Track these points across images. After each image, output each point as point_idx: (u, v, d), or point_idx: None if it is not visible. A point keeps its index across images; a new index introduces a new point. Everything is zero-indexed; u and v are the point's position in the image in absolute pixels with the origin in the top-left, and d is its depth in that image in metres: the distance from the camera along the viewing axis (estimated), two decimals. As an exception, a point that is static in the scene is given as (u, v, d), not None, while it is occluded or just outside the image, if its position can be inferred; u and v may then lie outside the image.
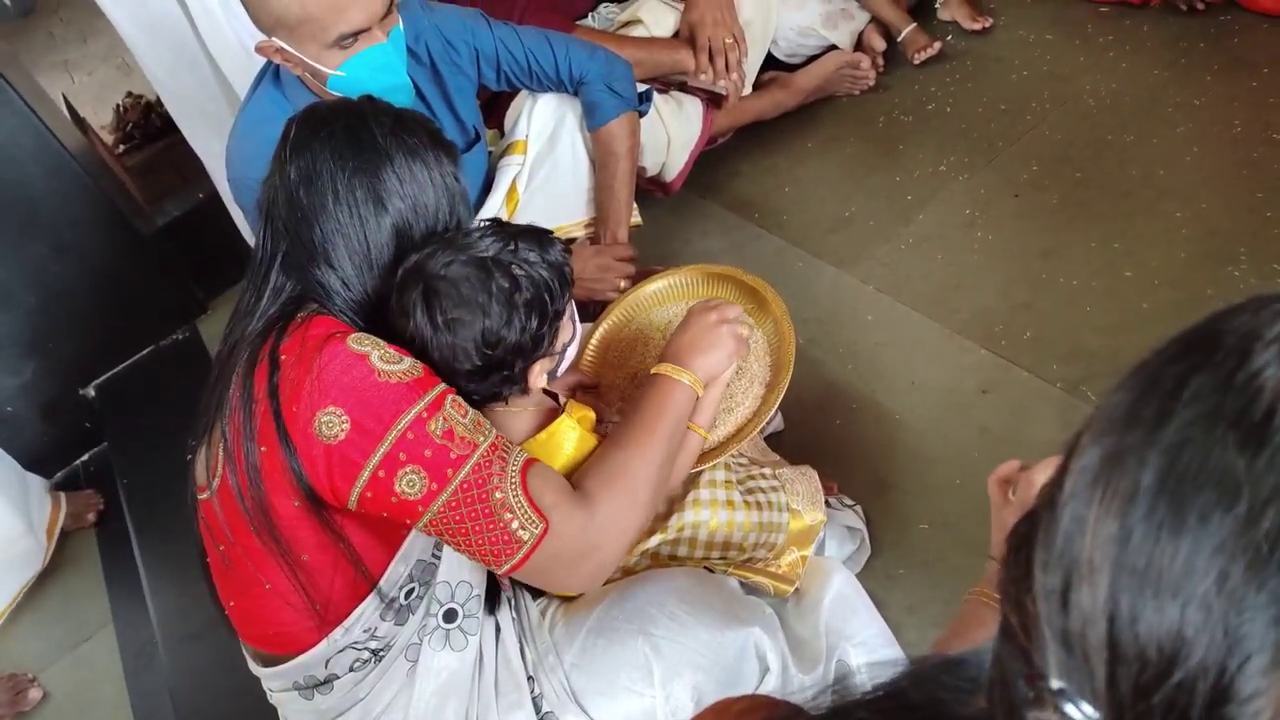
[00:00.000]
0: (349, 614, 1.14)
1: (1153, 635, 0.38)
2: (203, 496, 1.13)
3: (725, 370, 1.26)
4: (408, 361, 1.05)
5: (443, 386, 1.06)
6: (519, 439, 1.20)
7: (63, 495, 2.29)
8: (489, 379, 1.12)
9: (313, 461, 1.02)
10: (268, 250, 1.14)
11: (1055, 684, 0.42)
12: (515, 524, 1.02)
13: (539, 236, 1.13)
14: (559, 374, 1.22)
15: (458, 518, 1.02)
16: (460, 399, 1.07)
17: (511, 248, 1.10)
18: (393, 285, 1.12)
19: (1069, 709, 0.41)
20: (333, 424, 1.00)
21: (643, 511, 1.12)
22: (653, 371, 1.23)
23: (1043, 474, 0.96)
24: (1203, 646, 0.36)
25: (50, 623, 2.16)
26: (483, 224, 1.14)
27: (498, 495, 1.02)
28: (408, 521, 1.04)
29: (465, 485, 1.01)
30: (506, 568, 1.04)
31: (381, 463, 1.00)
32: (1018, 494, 0.98)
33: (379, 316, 1.14)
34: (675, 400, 1.19)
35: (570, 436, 1.20)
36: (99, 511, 2.31)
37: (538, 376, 1.16)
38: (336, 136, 1.11)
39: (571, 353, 1.21)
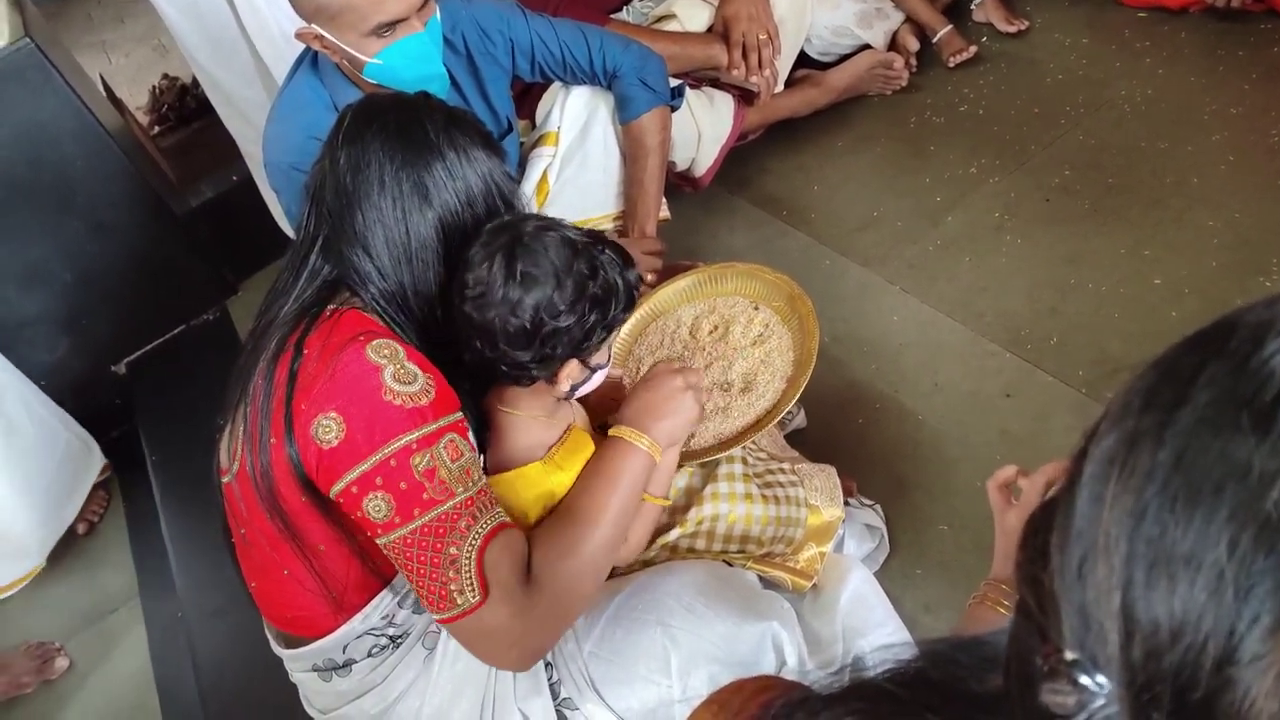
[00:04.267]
0: (366, 603, 1.16)
1: (1166, 602, 0.40)
2: (225, 479, 1.16)
3: (684, 436, 1.26)
4: (420, 382, 1.05)
5: (445, 421, 1.06)
6: (524, 443, 1.19)
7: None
8: (529, 348, 1.11)
9: (307, 458, 1.04)
10: (310, 232, 1.16)
11: (1070, 655, 0.44)
12: (454, 586, 1.02)
13: (625, 255, 1.15)
14: (579, 394, 1.21)
15: (408, 555, 1.03)
16: (459, 439, 1.06)
17: (600, 248, 1.12)
18: (429, 280, 1.14)
19: (1083, 679, 0.43)
20: (330, 429, 1.02)
21: (584, 600, 1.12)
22: (611, 433, 1.21)
23: (1045, 477, 0.97)
24: (1213, 610, 0.38)
25: (77, 594, 2.19)
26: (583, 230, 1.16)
27: (452, 550, 1.02)
28: (368, 534, 1.06)
29: (425, 529, 1.02)
30: (436, 618, 1.06)
31: (358, 479, 1.02)
32: (1022, 496, 0.99)
33: (410, 311, 1.15)
34: (632, 468, 1.17)
35: (539, 487, 1.18)
36: (91, 524, 2.30)
37: (565, 379, 1.16)
38: (389, 128, 1.13)
39: (598, 380, 1.21)
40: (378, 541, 1.05)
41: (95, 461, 2.32)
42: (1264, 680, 0.37)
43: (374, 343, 1.05)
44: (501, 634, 1.05)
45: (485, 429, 1.22)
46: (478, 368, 1.16)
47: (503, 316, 1.09)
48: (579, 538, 1.11)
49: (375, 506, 1.02)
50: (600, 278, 1.11)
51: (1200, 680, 0.39)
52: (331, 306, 1.12)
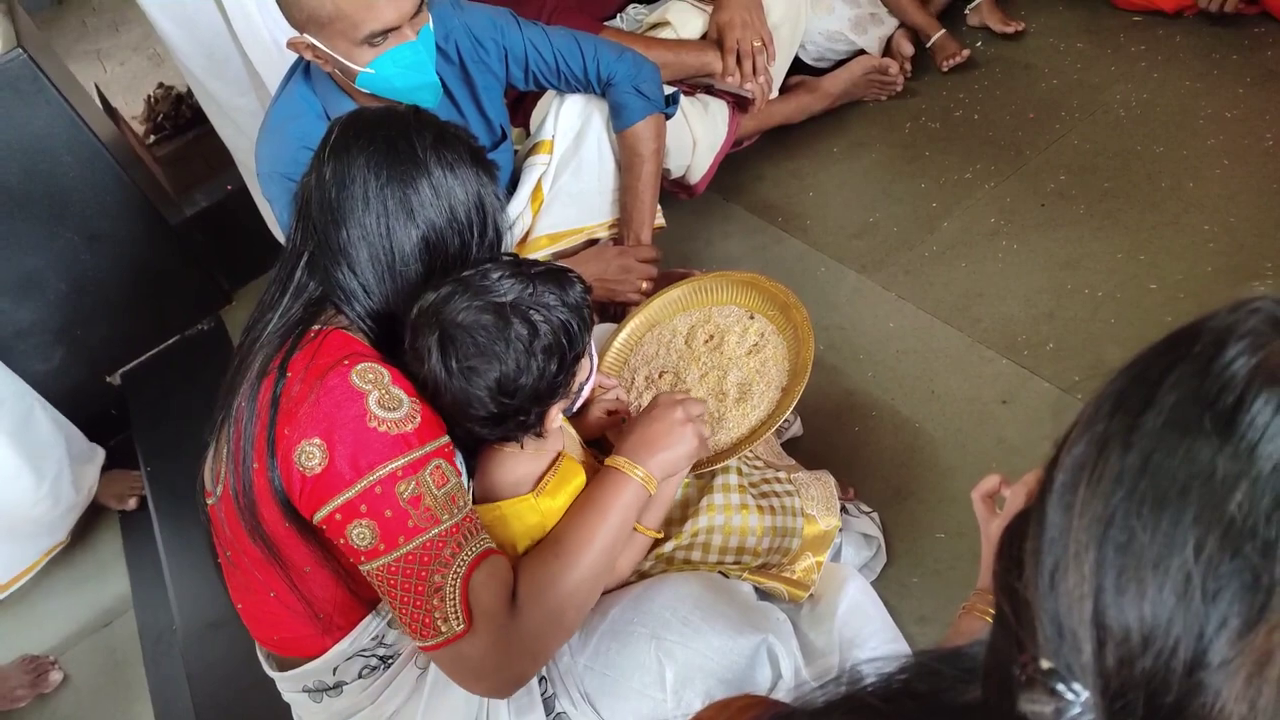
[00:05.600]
0: (353, 625, 1.16)
1: (1136, 608, 0.40)
2: (209, 501, 1.15)
3: (683, 469, 1.24)
4: (405, 408, 1.04)
5: (430, 447, 1.04)
6: (511, 476, 1.17)
7: (99, 473, 2.31)
8: (503, 425, 1.10)
9: (290, 484, 1.03)
10: (296, 247, 1.15)
11: (1046, 664, 0.44)
12: (437, 614, 1.01)
13: (559, 277, 1.10)
14: (574, 410, 1.19)
15: (391, 582, 1.02)
16: (445, 465, 1.05)
17: (530, 291, 1.07)
18: (413, 300, 1.11)
19: (1059, 688, 0.43)
20: (312, 455, 1.01)
21: (567, 630, 1.11)
22: (606, 462, 1.20)
23: (1028, 486, 0.97)
24: (1182, 615, 0.39)
25: (71, 606, 2.18)
26: (503, 260, 1.12)
27: (436, 579, 1.01)
28: (351, 560, 1.05)
29: (409, 557, 1.01)
30: (418, 645, 1.05)
31: (342, 506, 1.01)
32: (1005, 505, 0.99)
33: (396, 329, 1.13)
34: (624, 500, 1.16)
35: (528, 520, 1.16)
36: (140, 496, 2.31)
37: (554, 419, 1.14)
38: (376, 144, 1.11)
39: (588, 390, 1.19)
40: (361, 568, 1.05)
41: (99, 455, 2.33)
42: (1234, 683, 0.38)
43: (359, 367, 1.04)
44: (483, 662, 1.04)
45: (473, 455, 1.20)
46: (468, 440, 1.15)
47: (462, 408, 1.07)
48: (565, 568, 1.10)
49: (359, 534, 1.01)
50: (543, 329, 1.06)
51: (1172, 685, 0.39)
52: (316, 326, 1.10)
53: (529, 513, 1.16)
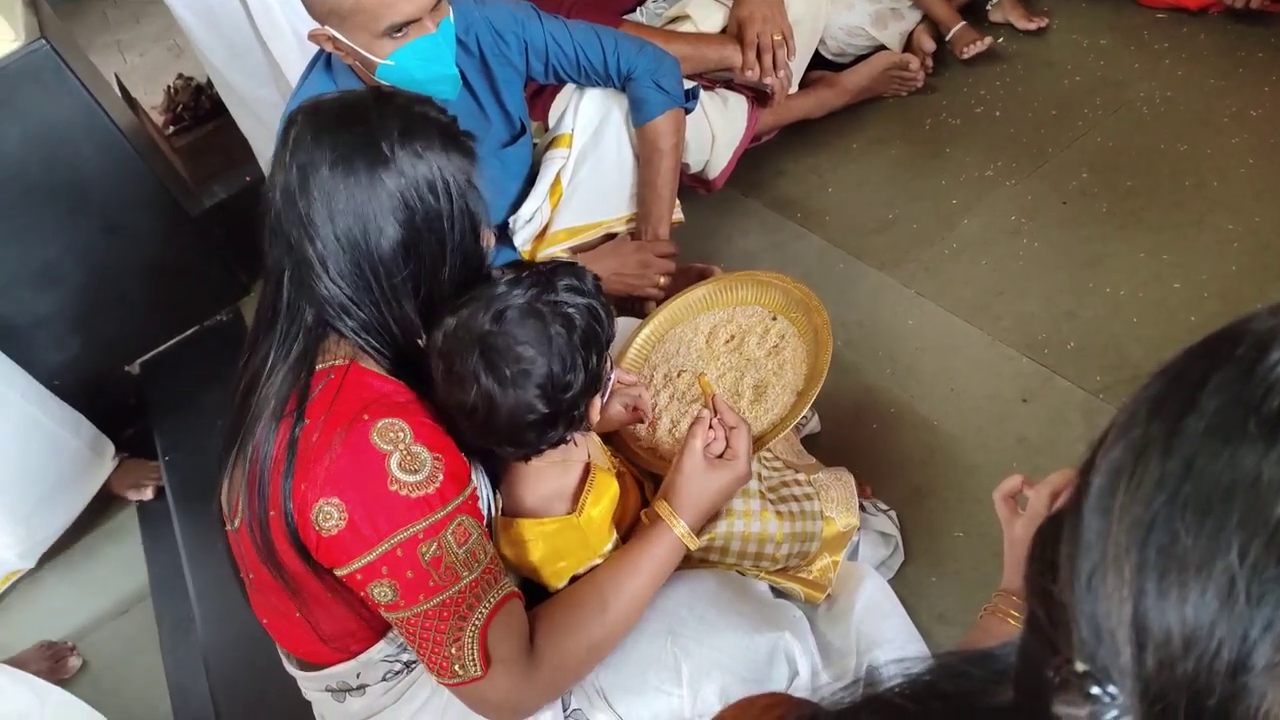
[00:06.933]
0: (379, 639, 1.17)
1: (1178, 610, 0.40)
2: (228, 528, 1.14)
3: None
4: (427, 468, 1.01)
5: (454, 505, 1.03)
6: (541, 491, 1.17)
7: (106, 474, 2.30)
8: (556, 426, 1.09)
9: (306, 539, 1.03)
10: (275, 260, 1.08)
11: (1081, 667, 0.43)
12: (455, 662, 1.03)
13: (569, 269, 1.09)
14: (606, 399, 1.17)
15: (411, 630, 1.04)
16: (467, 520, 1.05)
17: (549, 286, 1.06)
18: (405, 310, 1.08)
19: (1096, 691, 0.43)
20: (330, 515, 0.99)
21: (582, 674, 1.14)
22: (655, 507, 1.18)
23: (1051, 487, 0.96)
24: (1226, 618, 0.38)
25: (90, 593, 2.20)
26: (504, 269, 1.09)
27: (455, 631, 1.03)
28: (372, 607, 1.07)
29: (430, 613, 1.02)
30: (435, 679, 1.07)
31: (362, 568, 1.01)
32: (1029, 506, 0.98)
33: (396, 342, 1.10)
34: (661, 559, 1.16)
35: (569, 538, 1.16)
36: (158, 486, 2.31)
37: (596, 412, 1.13)
38: (339, 147, 1.03)
39: (612, 381, 1.18)
40: (380, 613, 1.07)
41: (103, 468, 2.30)
42: (1279, 687, 0.37)
43: (379, 424, 1.01)
44: (498, 701, 1.07)
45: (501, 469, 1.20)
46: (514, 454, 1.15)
47: (519, 418, 1.06)
48: (590, 619, 1.12)
49: (380, 592, 1.02)
50: (576, 321, 1.06)
51: (1214, 689, 0.39)
52: (332, 362, 1.07)
53: (571, 531, 1.16)
